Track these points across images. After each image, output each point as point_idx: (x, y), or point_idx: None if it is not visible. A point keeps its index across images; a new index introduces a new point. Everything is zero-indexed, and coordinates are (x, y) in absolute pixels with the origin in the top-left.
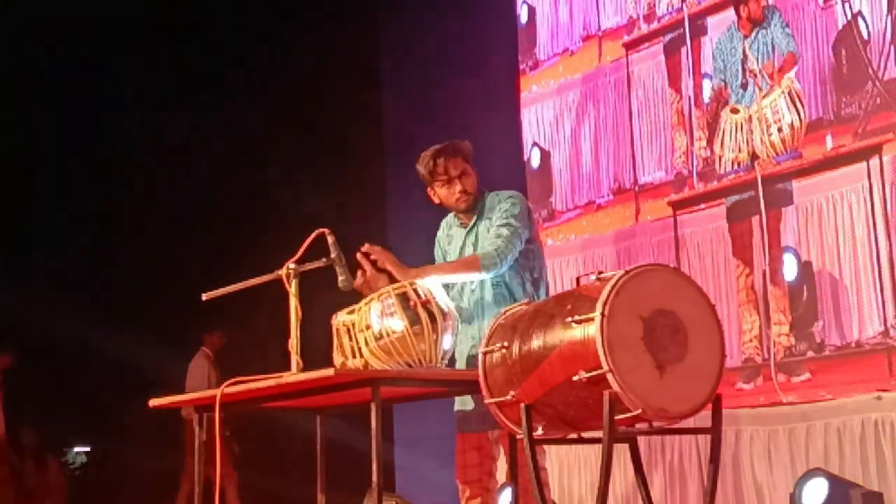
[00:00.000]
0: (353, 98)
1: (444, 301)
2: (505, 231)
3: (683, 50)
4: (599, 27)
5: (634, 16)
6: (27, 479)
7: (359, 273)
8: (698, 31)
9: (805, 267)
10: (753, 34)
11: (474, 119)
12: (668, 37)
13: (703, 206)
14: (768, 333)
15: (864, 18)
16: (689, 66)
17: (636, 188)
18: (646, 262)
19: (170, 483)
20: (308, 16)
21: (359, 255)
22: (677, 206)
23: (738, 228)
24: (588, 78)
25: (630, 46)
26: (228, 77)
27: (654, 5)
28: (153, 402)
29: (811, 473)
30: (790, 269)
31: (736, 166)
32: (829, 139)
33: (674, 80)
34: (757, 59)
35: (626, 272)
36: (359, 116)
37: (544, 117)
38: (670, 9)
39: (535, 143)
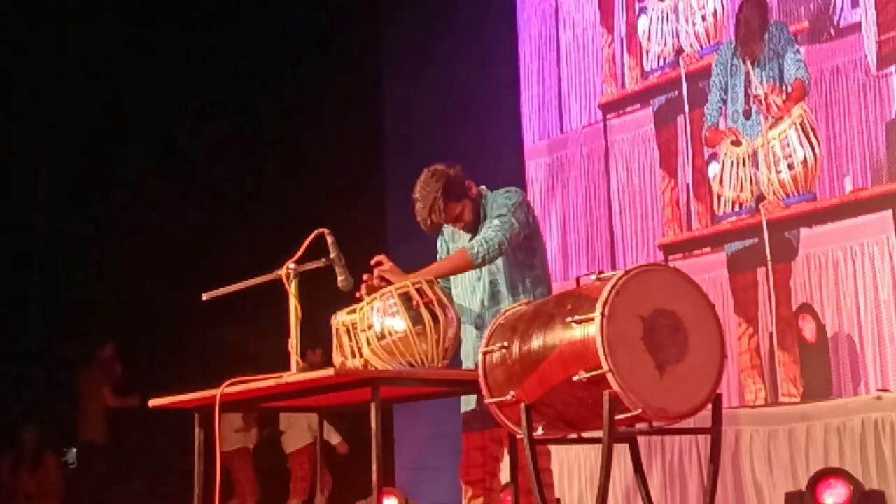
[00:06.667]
0: (353, 98)
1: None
2: (496, 221)
3: (680, 119)
4: (562, 128)
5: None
6: (25, 478)
7: (363, 286)
8: (699, 97)
9: (819, 331)
10: (759, 57)
11: (475, 120)
12: (659, 101)
13: (698, 251)
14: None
15: None
16: (688, 140)
17: None
18: (645, 262)
19: (170, 483)
20: (310, 14)
21: (372, 267)
22: (668, 250)
23: (740, 281)
24: (554, 146)
25: (609, 108)
26: (229, 76)
27: (642, 56)
28: (153, 403)
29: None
30: (802, 333)
31: (737, 208)
32: (847, 181)
33: (667, 158)
34: (763, 83)
35: (626, 272)
36: (359, 117)
37: None
38: (662, 63)
39: None
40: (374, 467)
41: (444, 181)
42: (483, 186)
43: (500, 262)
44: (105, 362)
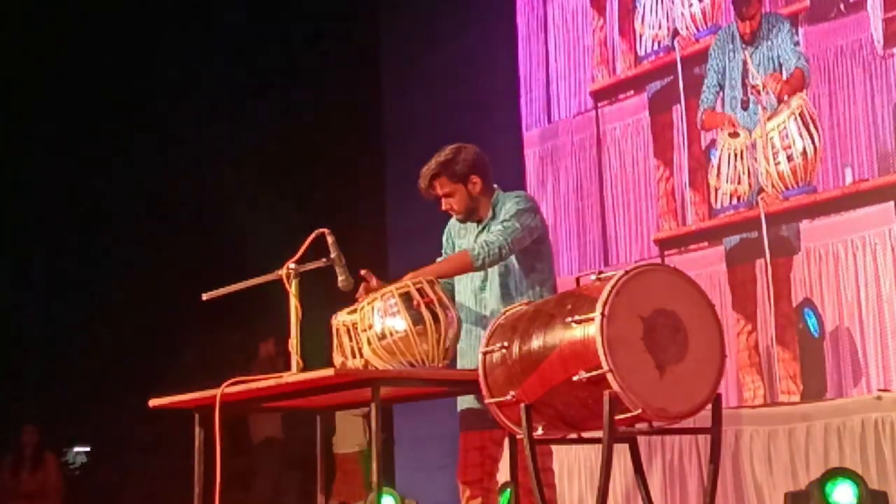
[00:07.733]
0: (353, 97)
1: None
2: (499, 226)
3: (676, 106)
4: (549, 118)
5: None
6: (25, 479)
7: (362, 287)
8: (695, 81)
9: (820, 326)
10: (756, 43)
11: (474, 121)
12: (654, 87)
13: (695, 246)
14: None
15: None
16: (684, 130)
17: None
18: (646, 262)
19: (169, 484)
20: (309, 14)
21: (363, 273)
22: (664, 245)
23: (738, 276)
24: (545, 135)
25: (600, 95)
26: (230, 77)
27: (635, 40)
28: (153, 403)
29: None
30: (802, 329)
31: (735, 201)
32: (848, 172)
33: (661, 147)
34: (760, 72)
35: (627, 272)
36: (359, 116)
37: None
38: (657, 46)
39: None
40: (374, 467)
41: (452, 156)
42: (496, 186)
43: (505, 262)
44: (267, 359)
